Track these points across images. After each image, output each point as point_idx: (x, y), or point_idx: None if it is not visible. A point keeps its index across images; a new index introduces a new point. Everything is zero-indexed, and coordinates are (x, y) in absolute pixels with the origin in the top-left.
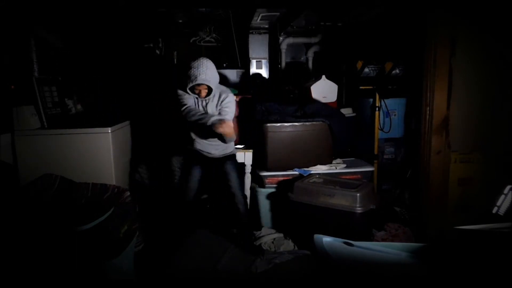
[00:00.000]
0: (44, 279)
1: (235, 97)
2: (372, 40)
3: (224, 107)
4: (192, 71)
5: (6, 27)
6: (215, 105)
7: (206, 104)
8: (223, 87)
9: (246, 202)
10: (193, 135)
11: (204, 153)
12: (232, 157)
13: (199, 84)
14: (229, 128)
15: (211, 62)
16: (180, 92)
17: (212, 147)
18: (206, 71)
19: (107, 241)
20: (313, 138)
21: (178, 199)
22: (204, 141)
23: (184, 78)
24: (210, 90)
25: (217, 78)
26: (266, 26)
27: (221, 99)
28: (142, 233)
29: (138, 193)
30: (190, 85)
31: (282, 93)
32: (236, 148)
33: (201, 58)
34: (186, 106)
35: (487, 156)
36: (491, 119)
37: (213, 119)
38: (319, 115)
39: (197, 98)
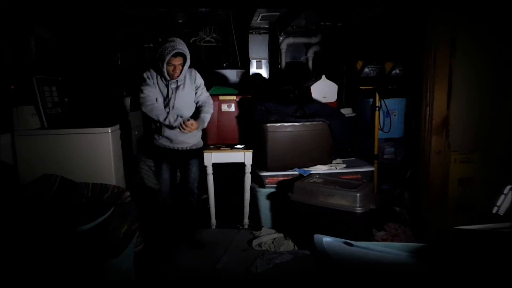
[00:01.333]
0: (44, 279)
1: (234, 97)
2: (372, 40)
3: (201, 88)
4: (169, 44)
5: (6, 27)
6: (191, 87)
7: (176, 88)
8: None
9: (200, 197)
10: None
11: (171, 146)
12: (199, 151)
13: (175, 56)
14: (194, 126)
15: None
16: (147, 75)
17: (183, 136)
18: (182, 44)
19: (107, 241)
20: (313, 138)
21: (156, 201)
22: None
23: (156, 59)
24: (182, 66)
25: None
26: (266, 26)
27: (193, 78)
28: (142, 233)
29: (138, 193)
30: (168, 56)
31: (282, 93)
32: (236, 148)
33: (170, 38)
34: (145, 96)
35: (487, 156)
36: (491, 119)
37: (176, 123)
38: (319, 115)
39: (166, 85)
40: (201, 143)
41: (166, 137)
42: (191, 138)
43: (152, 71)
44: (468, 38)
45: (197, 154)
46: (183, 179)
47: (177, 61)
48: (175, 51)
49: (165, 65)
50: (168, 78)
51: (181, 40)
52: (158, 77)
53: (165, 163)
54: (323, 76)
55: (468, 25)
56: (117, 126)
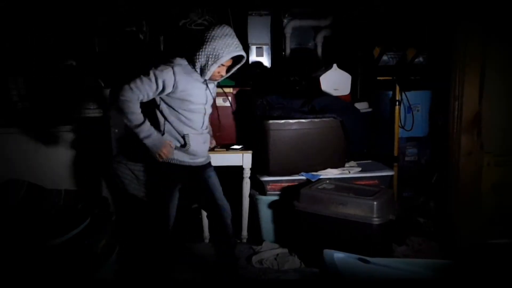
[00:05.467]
0: None
1: (231, 89)
2: (392, 22)
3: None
4: (227, 40)
5: None
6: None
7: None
8: None
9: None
10: (186, 128)
11: (191, 162)
12: (211, 163)
13: (237, 57)
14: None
15: None
16: (173, 72)
17: (205, 146)
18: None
19: (83, 257)
20: (323, 137)
21: (154, 228)
22: (199, 137)
23: (200, 53)
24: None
25: None
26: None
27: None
28: (124, 248)
29: (118, 201)
30: (228, 56)
31: (286, 85)
32: (233, 148)
33: (224, 25)
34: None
35: None
36: None
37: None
38: (329, 111)
39: (206, 84)
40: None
41: (190, 153)
42: (207, 149)
43: (182, 64)
44: (504, 22)
45: (211, 165)
46: (206, 197)
47: (229, 63)
48: (238, 53)
49: (215, 66)
50: (206, 78)
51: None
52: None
53: (177, 185)
54: (335, 65)
55: (504, 6)
56: (94, 123)
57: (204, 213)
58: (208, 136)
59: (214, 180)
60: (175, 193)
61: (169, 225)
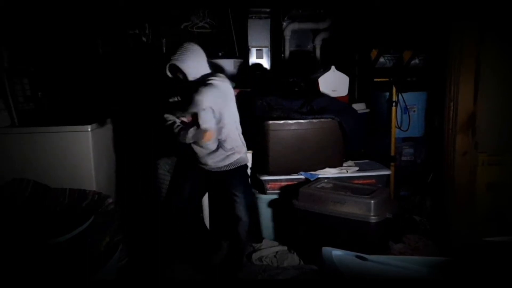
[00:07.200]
0: None
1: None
2: (389, 25)
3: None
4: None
5: None
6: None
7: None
8: (214, 78)
9: (250, 225)
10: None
11: (201, 165)
12: (238, 170)
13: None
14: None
15: (196, 47)
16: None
17: (208, 157)
18: (182, 52)
19: (86, 255)
20: (321, 138)
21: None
22: (198, 147)
23: None
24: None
25: (194, 63)
26: (268, 10)
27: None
28: (127, 246)
29: (123, 199)
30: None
31: (286, 86)
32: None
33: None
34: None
35: None
36: None
37: (189, 135)
38: (328, 111)
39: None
40: (237, 163)
41: (192, 152)
42: (219, 162)
43: None
44: (499, 22)
45: (233, 174)
46: (225, 205)
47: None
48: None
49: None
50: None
51: (187, 47)
52: None
53: (192, 172)
54: (333, 67)
55: (499, 7)
56: (100, 123)
57: (205, 212)
58: (217, 152)
59: (236, 188)
60: (189, 171)
61: (173, 199)
